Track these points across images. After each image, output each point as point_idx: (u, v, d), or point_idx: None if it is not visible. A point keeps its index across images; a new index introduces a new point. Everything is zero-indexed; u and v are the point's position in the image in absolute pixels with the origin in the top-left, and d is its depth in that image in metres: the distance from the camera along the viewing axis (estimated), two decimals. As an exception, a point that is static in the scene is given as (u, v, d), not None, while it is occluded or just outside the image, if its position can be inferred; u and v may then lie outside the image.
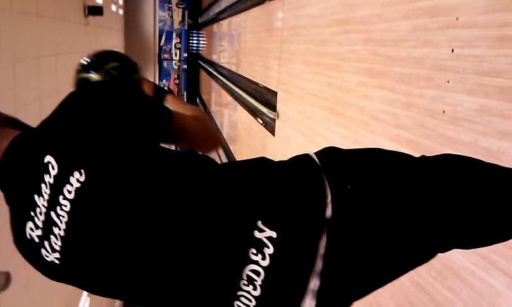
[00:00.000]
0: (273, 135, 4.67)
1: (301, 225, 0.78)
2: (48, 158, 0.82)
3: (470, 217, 0.88)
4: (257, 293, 0.75)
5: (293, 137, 3.97)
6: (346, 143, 2.78)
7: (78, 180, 0.80)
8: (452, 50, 1.74)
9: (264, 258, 0.75)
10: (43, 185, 0.82)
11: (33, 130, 0.93)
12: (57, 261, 0.82)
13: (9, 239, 0.87)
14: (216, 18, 10.24)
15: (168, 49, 14.59)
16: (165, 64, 14.66)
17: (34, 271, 0.89)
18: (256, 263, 0.75)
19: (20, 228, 0.84)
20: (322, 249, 0.77)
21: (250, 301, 0.76)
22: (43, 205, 0.82)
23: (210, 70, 11.30)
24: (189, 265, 0.77)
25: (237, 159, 7.14)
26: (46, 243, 0.82)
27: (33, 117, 4.37)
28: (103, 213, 0.79)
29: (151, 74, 14.66)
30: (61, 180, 0.81)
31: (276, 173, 0.87)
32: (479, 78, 1.59)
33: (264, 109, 4.98)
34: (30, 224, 0.83)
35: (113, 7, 11.45)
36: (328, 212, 0.79)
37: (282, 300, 0.76)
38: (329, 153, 0.93)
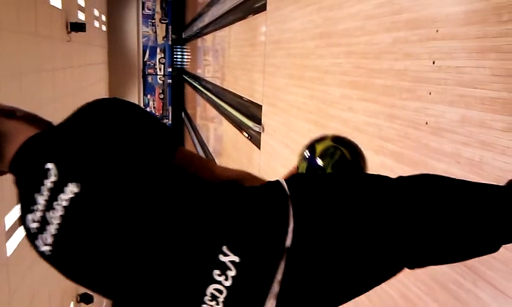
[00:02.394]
0: (259, 148, 4.67)
1: (262, 252, 0.86)
2: (49, 165, 0.91)
3: (434, 236, 0.95)
4: None
5: (278, 150, 3.96)
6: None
7: (72, 191, 0.89)
8: (433, 62, 1.76)
9: (226, 279, 0.85)
10: (42, 187, 0.91)
11: (45, 133, 1.02)
12: (48, 253, 0.93)
13: None
14: (200, 33, 10.27)
15: (152, 64, 14.57)
16: (149, 79, 14.63)
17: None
18: (220, 283, 0.85)
19: (24, 214, 0.96)
20: (279, 275, 0.85)
21: None
22: (41, 204, 0.92)
23: (195, 84, 11.30)
24: (161, 279, 0.87)
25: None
26: (40, 236, 0.93)
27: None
28: (90, 223, 0.89)
29: (135, 89, 14.60)
30: (58, 188, 0.90)
31: (246, 200, 0.93)
32: (460, 90, 1.61)
33: (249, 123, 4.98)
34: (30, 216, 0.94)
35: (96, 24, 11.41)
36: (288, 241, 0.86)
37: None
38: (299, 182, 0.99)
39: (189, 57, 13.70)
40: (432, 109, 1.78)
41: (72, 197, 0.88)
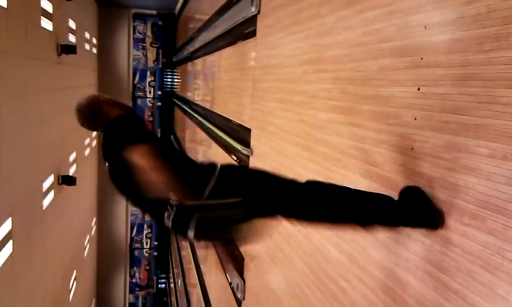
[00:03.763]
0: (247, 172, 4.67)
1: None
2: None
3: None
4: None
5: (267, 174, 3.96)
6: (318, 179, 2.79)
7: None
8: (418, 89, 1.79)
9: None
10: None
11: (119, 117, 2.05)
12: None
13: None
14: (190, 57, 10.36)
15: (142, 87, 14.64)
16: (139, 101, 14.66)
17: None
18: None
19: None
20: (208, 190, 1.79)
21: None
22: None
23: (184, 107, 11.33)
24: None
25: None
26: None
27: (3, 156, 4.23)
28: None
29: (124, 112, 14.55)
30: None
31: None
32: (445, 116, 1.64)
33: (238, 146, 4.98)
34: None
35: (87, 46, 11.46)
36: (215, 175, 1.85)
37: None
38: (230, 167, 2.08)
39: (179, 80, 13.78)
40: (418, 135, 1.80)
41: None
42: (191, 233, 1.72)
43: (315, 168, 2.89)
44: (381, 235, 2.02)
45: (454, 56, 1.59)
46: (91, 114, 2.08)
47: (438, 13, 1.68)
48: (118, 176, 1.93)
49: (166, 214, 1.75)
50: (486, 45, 1.44)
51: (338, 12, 2.52)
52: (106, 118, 2.01)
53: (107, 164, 1.96)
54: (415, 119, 1.82)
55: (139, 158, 1.72)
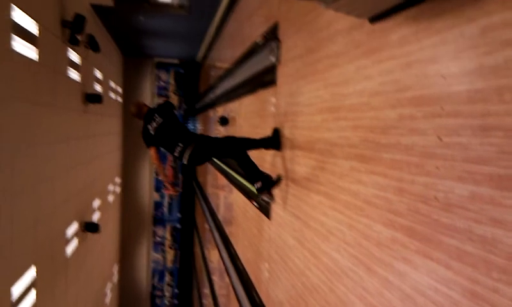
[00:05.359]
0: (269, 218, 4.63)
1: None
2: (156, 114, 4.31)
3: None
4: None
5: (289, 221, 3.93)
6: (341, 228, 2.75)
7: (159, 120, 4.26)
8: (440, 138, 1.77)
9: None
10: (153, 118, 4.29)
11: (151, 108, 4.50)
12: (152, 131, 4.26)
13: None
14: (212, 104, 10.57)
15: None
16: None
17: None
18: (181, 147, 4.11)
19: (146, 125, 4.32)
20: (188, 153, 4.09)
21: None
22: (153, 122, 4.26)
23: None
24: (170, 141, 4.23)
25: (234, 244, 7.00)
26: (150, 128, 4.27)
27: (29, 203, 4.31)
28: (162, 127, 4.25)
29: (147, 155, 14.84)
30: (156, 118, 4.28)
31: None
32: (468, 166, 1.61)
33: (259, 192, 4.97)
34: (149, 126, 4.28)
35: (112, 95, 11.84)
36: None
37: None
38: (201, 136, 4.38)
39: (201, 126, 14.02)
40: (441, 184, 1.77)
41: (159, 121, 4.24)
42: (185, 160, 4.06)
43: (337, 217, 2.85)
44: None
45: (474, 106, 1.57)
46: (137, 110, 4.47)
47: (455, 63, 1.68)
48: (165, 125, 4.24)
49: (177, 147, 4.08)
50: (506, 95, 1.43)
51: (356, 62, 2.56)
52: (144, 111, 4.46)
53: (161, 119, 4.25)
54: (437, 168, 1.79)
55: (152, 152, 4.41)
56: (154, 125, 4.22)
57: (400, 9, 1.98)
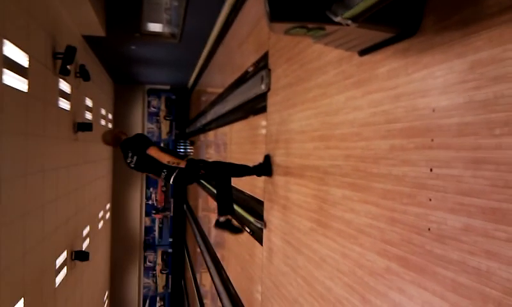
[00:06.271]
0: (261, 244, 4.60)
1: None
2: (129, 151, 4.18)
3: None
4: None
5: (281, 247, 3.90)
6: (334, 256, 2.74)
7: (133, 156, 4.14)
8: (431, 170, 1.79)
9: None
10: (129, 153, 4.18)
11: (127, 139, 4.27)
12: (132, 165, 4.19)
13: None
14: (203, 129, 10.59)
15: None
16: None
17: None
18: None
19: (125, 159, 4.20)
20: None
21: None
22: (129, 157, 4.17)
23: (197, 177, 11.37)
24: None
25: (226, 269, 6.92)
26: (129, 162, 4.18)
27: (17, 234, 4.23)
28: (137, 161, 4.16)
29: (138, 182, 14.75)
30: (131, 155, 4.16)
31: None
32: (460, 198, 1.62)
33: (251, 218, 4.95)
34: (128, 159, 4.18)
35: (102, 122, 11.81)
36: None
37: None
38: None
39: (192, 150, 14.00)
40: (434, 216, 1.78)
41: (135, 159, 4.12)
42: (172, 182, 4.06)
43: (330, 244, 2.84)
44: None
45: (465, 139, 1.60)
46: (114, 138, 4.32)
47: (445, 97, 1.71)
48: (141, 161, 4.10)
49: (162, 173, 4.07)
50: (496, 129, 1.45)
51: (346, 92, 2.59)
52: (120, 140, 4.26)
53: (135, 157, 4.10)
54: (430, 199, 1.80)
55: (153, 151, 4.03)
56: (132, 160, 4.15)
57: (389, 43, 2.03)
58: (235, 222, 4.34)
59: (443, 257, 1.73)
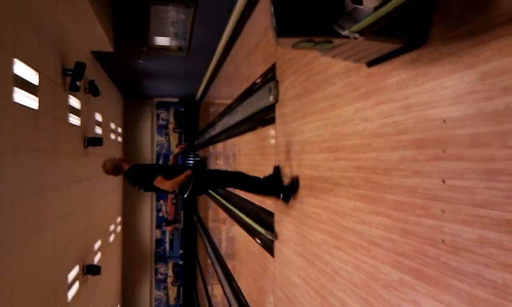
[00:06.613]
0: (272, 256, 4.58)
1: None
2: (137, 186, 4.11)
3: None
4: None
5: (293, 259, 3.88)
6: (347, 268, 2.72)
7: (141, 187, 4.17)
8: (444, 181, 1.77)
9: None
10: (135, 184, 4.15)
11: (131, 168, 4.09)
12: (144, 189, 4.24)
13: None
14: (211, 141, 10.62)
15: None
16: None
17: None
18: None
19: (133, 186, 4.16)
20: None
21: None
22: (137, 186, 4.15)
23: (206, 189, 11.37)
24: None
25: (237, 280, 6.89)
26: (138, 188, 4.22)
27: (30, 249, 4.27)
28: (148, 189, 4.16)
29: (148, 198, 14.80)
30: (138, 185, 4.14)
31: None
32: (474, 210, 1.60)
33: (262, 230, 4.93)
34: (136, 187, 4.14)
35: (112, 136, 11.90)
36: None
37: None
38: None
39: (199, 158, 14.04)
40: (448, 228, 1.76)
41: (142, 187, 4.10)
42: (186, 194, 3.98)
43: (342, 256, 2.82)
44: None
45: (477, 150, 1.58)
46: (114, 168, 4.12)
47: (455, 108, 1.70)
48: (151, 190, 4.08)
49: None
50: (508, 140, 1.43)
51: (355, 104, 2.58)
52: (121, 169, 4.09)
53: (137, 187, 4.09)
54: (443, 211, 1.78)
55: (160, 183, 3.82)
56: (140, 189, 4.16)
57: (398, 54, 2.02)
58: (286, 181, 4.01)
59: (458, 269, 1.70)
